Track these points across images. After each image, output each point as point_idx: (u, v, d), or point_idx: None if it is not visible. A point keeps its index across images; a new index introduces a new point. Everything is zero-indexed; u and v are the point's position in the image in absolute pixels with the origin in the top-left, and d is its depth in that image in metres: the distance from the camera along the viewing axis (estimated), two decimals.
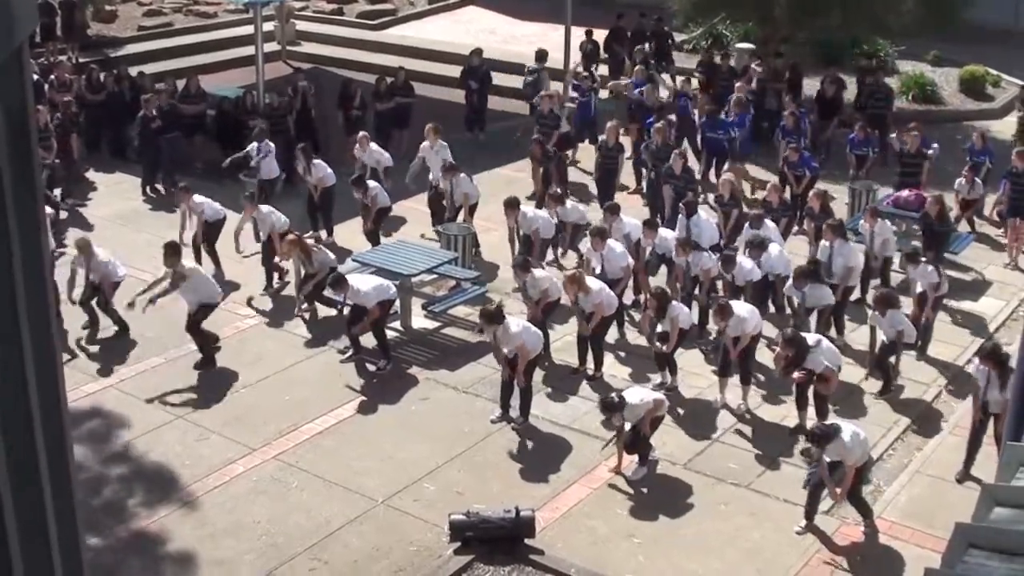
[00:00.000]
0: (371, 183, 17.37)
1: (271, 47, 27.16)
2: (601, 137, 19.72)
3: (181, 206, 16.69)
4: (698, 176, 19.35)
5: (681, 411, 13.22)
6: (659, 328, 13.31)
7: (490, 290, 15.95)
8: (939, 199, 16.73)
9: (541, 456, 12.35)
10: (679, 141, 19.89)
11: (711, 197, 18.63)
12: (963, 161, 19.25)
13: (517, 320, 12.96)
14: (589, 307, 13.67)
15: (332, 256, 15.28)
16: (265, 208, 16.10)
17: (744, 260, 14.68)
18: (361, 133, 19.47)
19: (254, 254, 16.68)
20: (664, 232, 15.59)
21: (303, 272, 15.09)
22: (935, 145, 19.18)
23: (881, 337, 13.81)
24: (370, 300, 13.70)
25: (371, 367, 14.04)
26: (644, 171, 19.42)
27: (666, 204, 17.65)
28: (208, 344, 14.18)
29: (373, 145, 19.15)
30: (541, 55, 24.14)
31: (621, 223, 15.63)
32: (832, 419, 11.68)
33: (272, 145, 18.71)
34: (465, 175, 17.56)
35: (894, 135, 19.81)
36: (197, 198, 16.48)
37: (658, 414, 11.98)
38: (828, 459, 10.73)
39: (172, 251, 14.02)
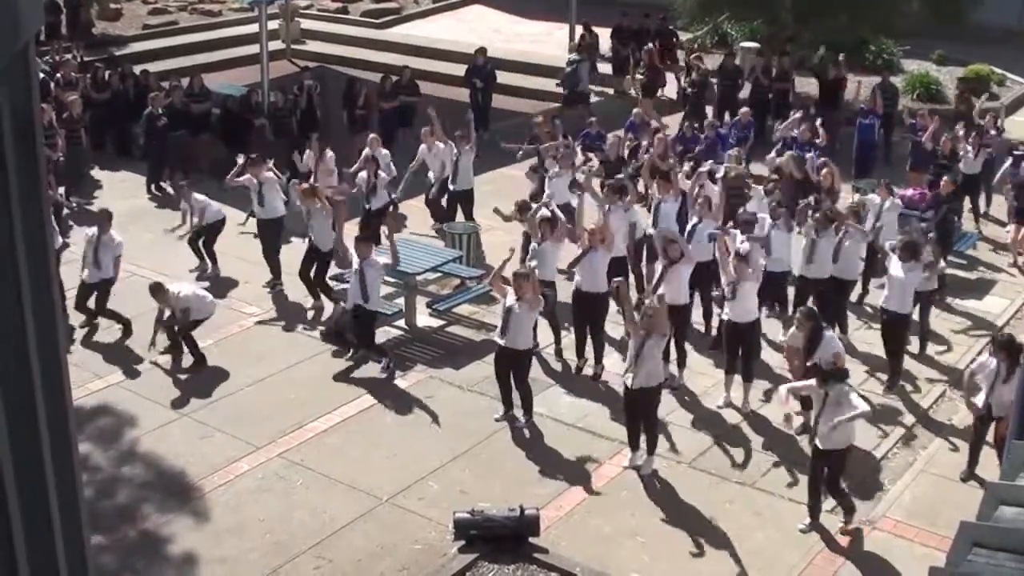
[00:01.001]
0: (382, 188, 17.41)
1: (276, 45, 27.17)
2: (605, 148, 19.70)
3: (182, 204, 16.73)
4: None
5: (686, 410, 13.22)
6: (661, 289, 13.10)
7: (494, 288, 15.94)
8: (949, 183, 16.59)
9: (545, 455, 12.35)
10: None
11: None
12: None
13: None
14: (602, 264, 13.57)
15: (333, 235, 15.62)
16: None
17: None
18: (372, 136, 19.22)
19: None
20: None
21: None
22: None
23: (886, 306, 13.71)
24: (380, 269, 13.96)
25: (376, 365, 14.05)
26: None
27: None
28: (195, 347, 14.18)
29: (384, 151, 18.85)
30: (578, 47, 24.35)
31: (624, 210, 15.44)
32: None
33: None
34: (470, 147, 17.48)
35: (919, 131, 19.59)
36: (198, 196, 16.55)
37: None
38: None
39: (156, 289, 13.96)
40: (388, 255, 15.33)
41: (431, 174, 18.43)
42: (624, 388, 11.86)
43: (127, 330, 14.69)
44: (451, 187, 17.77)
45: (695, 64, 23.64)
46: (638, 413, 11.89)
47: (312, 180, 17.80)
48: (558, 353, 14.32)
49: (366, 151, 18.71)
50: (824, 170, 17.00)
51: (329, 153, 18.05)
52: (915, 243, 13.66)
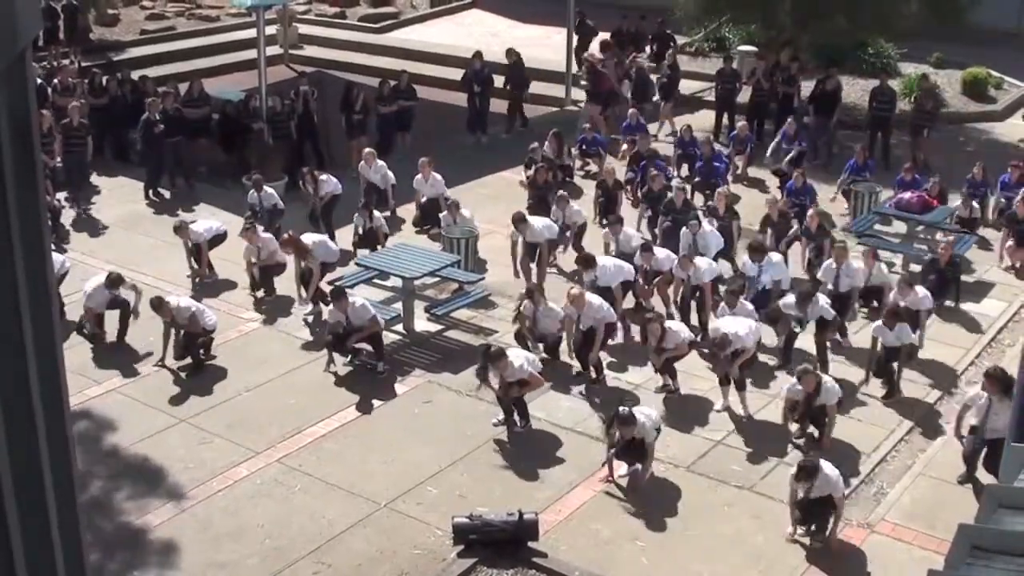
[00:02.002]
0: (377, 213, 17.36)
1: (273, 51, 27.17)
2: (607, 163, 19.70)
3: (182, 241, 16.62)
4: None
5: (684, 414, 13.22)
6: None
7: (493, 292, 15.96)
8: (949, 246, 16.16)
9: (544, 459, 12.34)
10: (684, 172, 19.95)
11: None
12: (965, 164, 19.31)
13: (517, 352, 13.02)
14: (590, 321, 13.72)
15: (335, 249, 15.61)
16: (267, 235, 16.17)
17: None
18: (367, 150, 19.17)
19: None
20: (659, 252, 15.51)
21: (303, 265, 15.36)
22: (935, 178, 18.63)
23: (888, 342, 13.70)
24: (368, 313, 13.81)
25: (375, 367, 14.02)
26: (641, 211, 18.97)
27: (658, 236, 17.09)
28: (197, 353, 14.17)
29: (380, 162, 18.91)
30: (606, 45, 24.46)
31: (627, 236, 15.69)
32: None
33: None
34: (464, 212, 17.44)
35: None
36: (196, 227, 16.51)
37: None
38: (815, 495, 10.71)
39: (158, 305, 13.93)
40: (376, 261, 15.41)
41: (423, 199, 18.47)
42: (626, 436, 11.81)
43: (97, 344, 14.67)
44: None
45: (636, 64, 23.77)
46: (637, 451, 11.92)
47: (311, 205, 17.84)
48: (555, 357, 14.31)
49: (362, 166, 18.62)
50: (809, 212, 16.90)
51: (324, 177, 17.94)
52: (897, 310, 13.76)
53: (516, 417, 12.83)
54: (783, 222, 16.93)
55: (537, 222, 16.33)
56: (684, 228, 15.98)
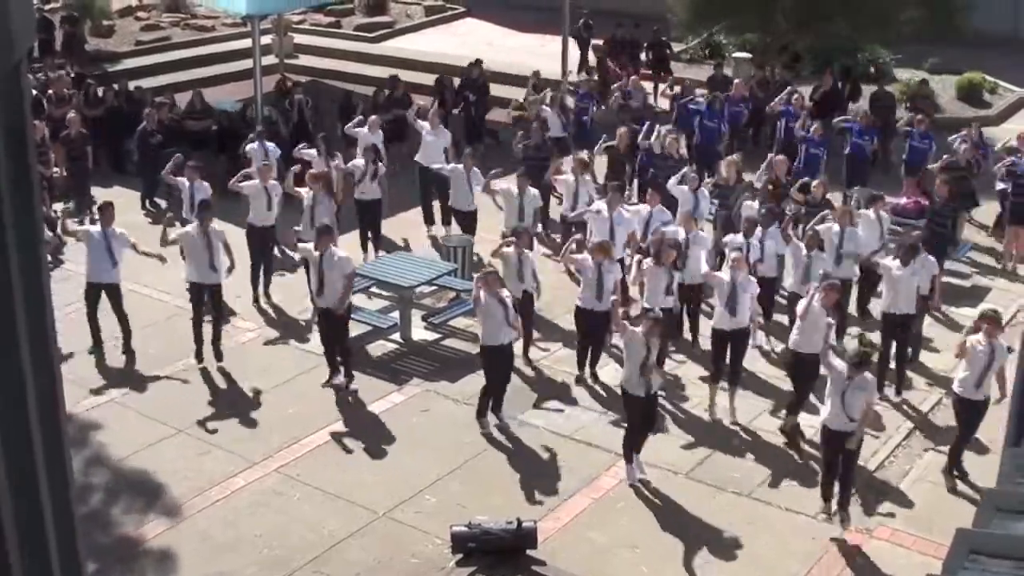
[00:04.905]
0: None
1: (269, 60, 27.17)
2: (611, 142, 19.73)
3: (183, 180, 16.65)
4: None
5: (682, 420, 13.22)
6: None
7: None
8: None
9: (542, 467, 12.34)
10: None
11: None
12: None
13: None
14: (617, 274, 13.72)
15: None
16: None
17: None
18: (373, 117, 19.31)
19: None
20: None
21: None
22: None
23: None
24: (350, 265, 13.68)
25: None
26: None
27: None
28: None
29: (380, 131, 19.12)
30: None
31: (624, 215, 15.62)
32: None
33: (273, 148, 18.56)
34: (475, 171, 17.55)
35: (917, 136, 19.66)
36: (205, 184, 16.57)
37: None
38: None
39: (205, 207, 14.47)
40: (373, 270, 15.29)
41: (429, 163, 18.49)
42: (640, 397, 11.80)
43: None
44: (451, 206, 17.73)
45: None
46: (653, 417, 11.98)
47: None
48: (525, 346, 14.29)
49: (364, 132, 18.68)
50: (815, 183, 16.88)
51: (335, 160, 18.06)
52: (915, 246, 13.71)
53: (505, 416, 12.94)
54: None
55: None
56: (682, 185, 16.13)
